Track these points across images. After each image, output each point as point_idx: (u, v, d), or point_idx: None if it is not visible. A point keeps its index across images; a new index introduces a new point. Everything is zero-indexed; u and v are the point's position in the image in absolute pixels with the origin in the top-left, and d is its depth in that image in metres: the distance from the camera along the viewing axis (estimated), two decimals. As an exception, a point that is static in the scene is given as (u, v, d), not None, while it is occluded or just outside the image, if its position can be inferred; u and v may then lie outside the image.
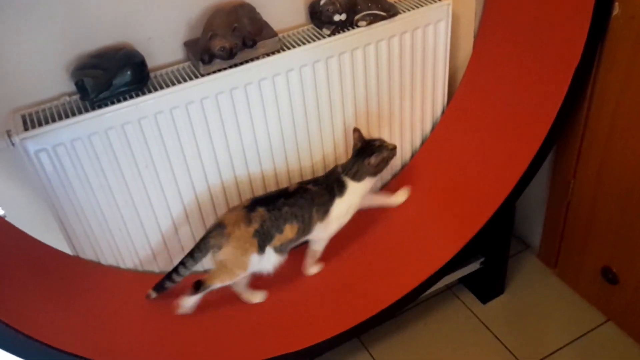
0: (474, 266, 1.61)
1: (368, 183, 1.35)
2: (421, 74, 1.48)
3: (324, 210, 1.32)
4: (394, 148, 1.35)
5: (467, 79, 1.56)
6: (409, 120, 1.53)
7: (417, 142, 1.59)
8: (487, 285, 1.68)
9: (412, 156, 1.60)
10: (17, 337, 1.01)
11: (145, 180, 1.25)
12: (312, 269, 1.43)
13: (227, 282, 1.28)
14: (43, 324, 1.10)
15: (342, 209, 1.34)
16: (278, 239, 1.26)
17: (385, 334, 1.62)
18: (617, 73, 1.29)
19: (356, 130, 1.36)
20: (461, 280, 1.73)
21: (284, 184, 1.41)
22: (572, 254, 1.63)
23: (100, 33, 1.19)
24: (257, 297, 1.37)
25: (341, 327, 1.29)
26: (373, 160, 1.31)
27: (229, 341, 1.28)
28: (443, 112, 1.58)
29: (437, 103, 1.56)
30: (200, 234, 1.37)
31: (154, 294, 1.29)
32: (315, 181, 1.34)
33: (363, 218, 1.43)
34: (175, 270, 1.26)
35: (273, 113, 1.32)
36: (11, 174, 1.24)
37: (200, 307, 1.31)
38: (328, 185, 1.33)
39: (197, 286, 1.26)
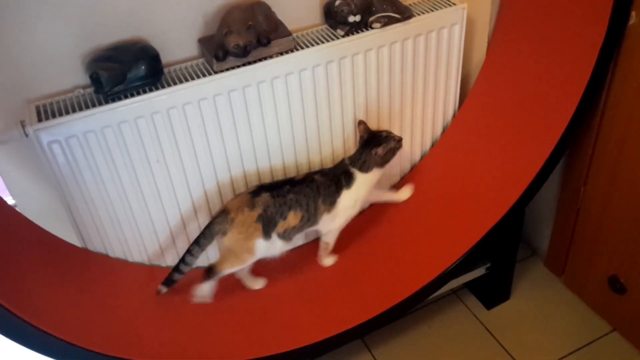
0: (479, 271, 1.60)
1: (376, 174, 1.36)
2: (434, 77, 1.47)
3: (331, 201, 1.33)
4: (400, 140, 1.38)
5: (479, 83, 1.56)
6: (419, 122, 1.53)
7: (427, 144, 1.59)
8: (493, 291, 1.68)
9: (422, 158, 1.60)
10: (21, 325, 1.01)
11: (155, 175, 1.26)
12: (327, 260, 1.44)
13: (237, 267, 1.29)
14: (48, 313, 1.10)
15: (350, 201, 1.35)
16: (281, 225, 1.28)
17: (389, 336, 1.62)
18: (631, 82, 1.28)
19: (361, 123, 1.38)
20: (467, 285, 1.73)
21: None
22: (580, 262, 1.63)
23: (115, 27, 1.19)
24: (258, 283, 1.39)
25: (344, 326, 1.29)
26: (380, 150, 1.33)
27: (230, 336, 1.29)
28: (454, 115, 1.58)
29: (449, 106, 1.56)
30: (208, 229, 1.38)
31: (164, 289, 1.30)
32: (322, 172, 1.36)
33: (368, 219, 1.43)
34: (182, 260, 1.27)
35: (285, 112, 1.32)
36: (23, 164, 1.25)
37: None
38: (335, 176, 1.34)
39: (209, 272, 1.28)
